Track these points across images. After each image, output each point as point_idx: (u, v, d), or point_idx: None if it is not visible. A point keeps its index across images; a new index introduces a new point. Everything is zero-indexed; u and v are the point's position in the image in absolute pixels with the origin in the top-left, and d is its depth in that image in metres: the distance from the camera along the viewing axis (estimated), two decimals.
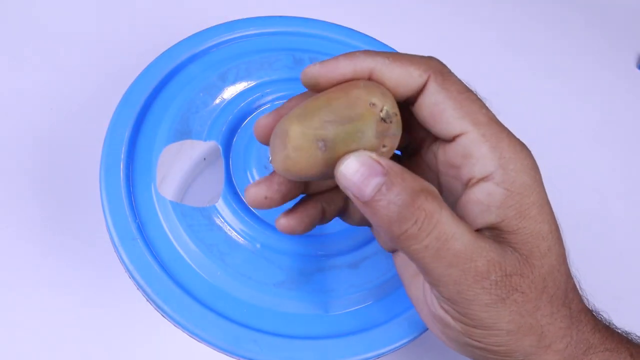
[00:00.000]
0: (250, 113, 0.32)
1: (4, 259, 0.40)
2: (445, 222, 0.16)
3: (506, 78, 0.59)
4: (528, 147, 0.20)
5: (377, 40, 0.37)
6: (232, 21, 0.35)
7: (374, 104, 0.17)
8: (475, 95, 0.19)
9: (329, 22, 0.37)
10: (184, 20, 0.53)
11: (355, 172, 0.16)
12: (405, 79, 0.18)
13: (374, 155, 0.17)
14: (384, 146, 0.17)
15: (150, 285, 0.25)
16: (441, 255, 0.16)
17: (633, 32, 0.65)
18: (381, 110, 0.17)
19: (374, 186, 0.16)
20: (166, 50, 0.32)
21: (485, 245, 0.17)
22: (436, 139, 0.20)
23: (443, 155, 0.19)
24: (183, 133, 0.30)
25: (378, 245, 0.29)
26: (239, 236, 0.27)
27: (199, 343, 0.25)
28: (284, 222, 0.21)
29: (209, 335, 0.24)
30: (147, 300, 0.26)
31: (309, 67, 0.18)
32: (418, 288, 0.21)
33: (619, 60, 0.63)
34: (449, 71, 0.19)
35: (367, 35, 0.37)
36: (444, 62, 0.20)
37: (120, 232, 0.26)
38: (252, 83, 0.32)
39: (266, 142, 0.20)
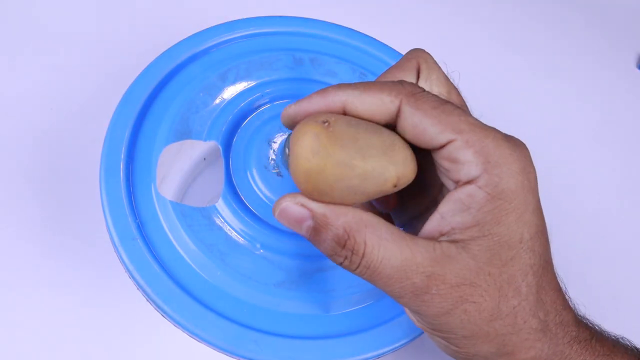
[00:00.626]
0: (250, 113, 0.32)
1: (4, 259, 0.40)
2: (371, 252, 0.17)
3: (506, 78, 0.59)
4: (528, 146, 0.19)
5: (377, 40, 0.37)
6: (232, 21, 0.35)
7: None
8: (451, 105, 0.19)
9: (329, 22, 0.37)
10: (184, 20, 0.53)
11: (286, 219, 0.18)
12: (378, 106, 0.19)
13: (297, 199, 0.18)
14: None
15: (150, 285, 0.25)
16: (375, 278, 0.18)
17: (633, 32, 0.65)
18: None
19: (306, 229, 0.18)
20: (166, 50, 0.32)
21: (424, 262, 0.18)
22: None
23: (436, 158, 0.20)
24: (183, 133, 0.30)
25: None
26: (239, 236, 0.27)
27: (199, 343, 0.25)
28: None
29: (209, 335, 0.24)
30: (147, 300, 0.26)
31: (287, 109, 0.20)
32: None
33: (619, 60, 0.63)
34: (421, 90, 0.19)
35: (367, 35, 0.37)
36: (445, 62, 0.20)
37: (120, 232, 0.26)
38: (252, 83, 0.32)
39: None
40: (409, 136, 0.19)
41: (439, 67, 0.21)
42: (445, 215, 0.19)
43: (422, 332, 0.27)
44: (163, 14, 0.53)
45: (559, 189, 0.53)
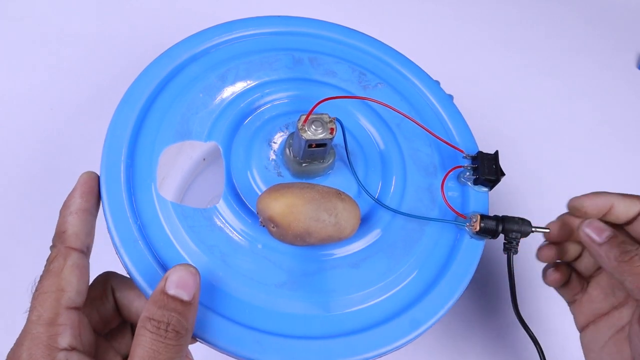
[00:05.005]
0: (250, 113, 0.32)
1: (3, 259, 0.40)
2: None
3: (506, 78, 0.59)
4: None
5: (376, 39, 0.37)
6: (232, 21, 0.35)
7: None
8: None
9: (328, 22, 0.37)
10: (183, 21, 0.53)
11: (593, 229, 0.28)
12: (631, 207, 0.29)
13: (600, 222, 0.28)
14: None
15: (152, 287, 0.25)
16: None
17: (633, 32, 0.65)
18: None
19: (605, 236, 0.27)
20: (166, 51, 0.32)
21: None
22: None
23: None
24: (183, 134, 0.30)
25: (379, 245, 0.29)
26: (240, 237, 0.27)
27: (201, 344, 0.25)
28: None
29: (211, 336, 0.24)
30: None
31: (577, 199, 0.30)
32: (613, 348, 0.29)
33: (619, 60, 0.63)
34: None
35: (366, 35, 0.37)
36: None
37: (121, 234, 0.26)
38: (252, 83, 0.32)
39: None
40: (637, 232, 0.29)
41: None
42: None
43: (422, 333, 0.27)
44: (163, 14, 0.53)
45: (559, 188, 0.53)
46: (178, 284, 0.23)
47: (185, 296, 0.22)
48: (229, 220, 0.27)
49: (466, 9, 0.63)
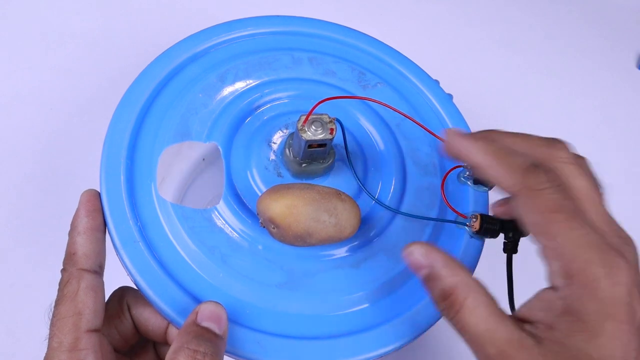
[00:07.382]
0: (250, 113, 0.32)
1: (3, 259, 0.40)
2: (464, 313, 0.20)
3: (506, 78, 0.59)
4: None
5: (375, 39, 0.37)
6: (231, 21, 0.35)
7: None
8: (567, 214, 0.20)
9: (328, 22, 0.37)
10: (183, 20, 0.53)
11: (408, 262, 0.23)
12: (503, 179, 0.21)
13: (425, 249, 0.22)
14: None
15: (152, 287, 0.25)
16: (461, 333, 0.21)
17: (633, 32, 0.65)
18: None
19: (422, 275, 0.22)
20: (166, 50, 0.32)
21: (501, 339, 0.20)
22: None
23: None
24: (183, 134, 0.30)
25: (379, 245, 0.29)
26: (240, 237, 0.27)
27: None
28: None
29: None
30: (150, 303, 0.26)
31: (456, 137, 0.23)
32: None
33: (619, 60, 0.63)
34: (548, 187, 0.21)
35: (365, 34, 0.37)
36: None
37: (121, 235, 0.26)
38: (251, 83, 0.32)
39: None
40: (517, 214, 0.21)
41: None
42: (533, 308, 0.21)
43: (422, 333, 0.27)
44: (163, 15, 0.53)
45: None
46: (210, 317, 0.22)
47: (217, 329, 0.22)
48: (229, 221, 0.27)
49: (466, 9, 0.63)
